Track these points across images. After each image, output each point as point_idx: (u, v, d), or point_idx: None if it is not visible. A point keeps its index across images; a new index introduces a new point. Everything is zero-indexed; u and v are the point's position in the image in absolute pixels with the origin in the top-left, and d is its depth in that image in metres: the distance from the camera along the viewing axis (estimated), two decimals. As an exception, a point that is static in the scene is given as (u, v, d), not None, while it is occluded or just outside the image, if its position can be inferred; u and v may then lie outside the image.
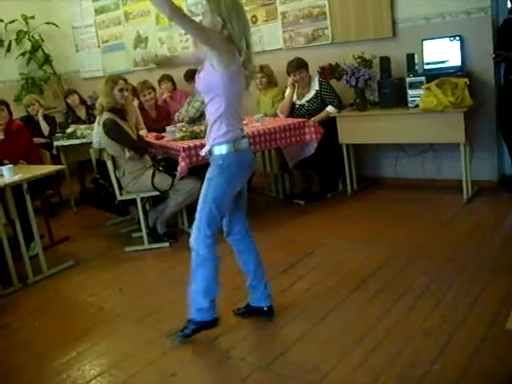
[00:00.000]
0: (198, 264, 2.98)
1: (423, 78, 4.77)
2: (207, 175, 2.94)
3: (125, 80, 4.67)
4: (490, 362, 2.53)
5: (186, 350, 3.02)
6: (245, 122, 5.15)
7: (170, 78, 6.43)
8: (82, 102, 6.78)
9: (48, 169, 4.67)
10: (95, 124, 4.94)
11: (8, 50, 8.17)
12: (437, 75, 4.70)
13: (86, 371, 2.95)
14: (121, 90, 4.48)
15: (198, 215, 2.97)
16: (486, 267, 3.49)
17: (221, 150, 2.85)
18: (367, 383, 2.49)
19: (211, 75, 2.77)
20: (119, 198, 4.67)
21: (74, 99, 6.68)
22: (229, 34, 2.73)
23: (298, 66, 5.37)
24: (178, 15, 2.57)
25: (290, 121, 5.09)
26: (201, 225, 2.95)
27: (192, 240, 2.99)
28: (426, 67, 4.99)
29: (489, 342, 2.67)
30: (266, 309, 3.17)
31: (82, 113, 6.69)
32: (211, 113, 2.85)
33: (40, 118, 6.38)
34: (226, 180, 2.90)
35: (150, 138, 5.12)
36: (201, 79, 2.85)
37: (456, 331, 2.80)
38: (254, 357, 2.87)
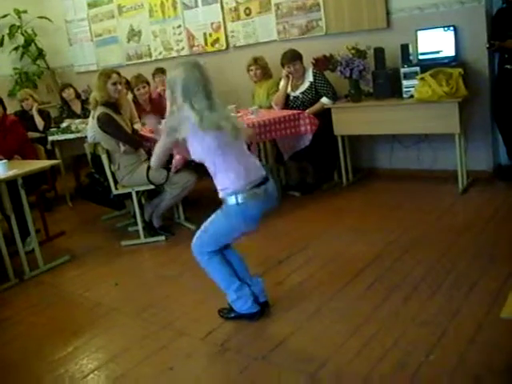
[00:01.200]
0: (205, 268, 3.09)
1: (418, 69, 4.77)
2: (221, 207, 2.96)
3: (118, 74, 4.65)
4: (486, 350, 2.54)
5: (183, 343, 3.03)
6: (240, 114, 5.18)
7: (164, 71, 6.39)
8: (78, 96, 6.74)
9: (43, 164, 4.66)
10: (89, 118, 4.93)
11: (1, 44, 8.14)
12: (431, 65, 4.69)
13: (84, 365, 2.96)
14: (114, 84, 4.46)
15: (202, 228, 3.03)
16: (482, 257, 3.50)
17: (227, 199, 2.88)
18: (363, 373, 2.50)
19: (189, 145, 2.89)
20: (114, 192, 4.66)
21: (69, 93, 6.63)
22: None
23: (292, 57, 5.36)
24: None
25: (285, 113, 5.08)
26: (202, 240, 3.02)
27: (192, 244, 3.06)
28: (421, 57, 4.98)
29: (485, 331, 2.68)
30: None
31: (77, 107, 6.66)
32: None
33: (34, 112, 6.36)
34: (228, 226, 2.95)
35: (145, 131, 5.11)
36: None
37: (452, 321, 2.82)
38: (251, 349, 2.87)
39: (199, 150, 2.88)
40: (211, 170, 2.91)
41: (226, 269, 3.08)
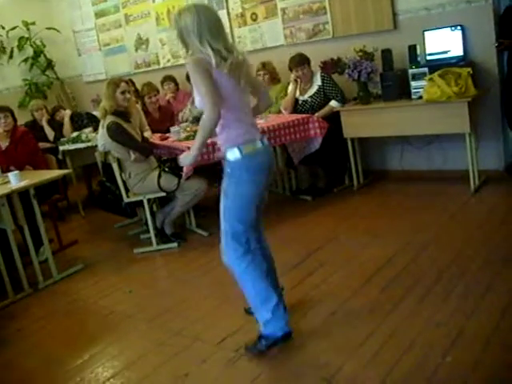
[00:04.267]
0: (240, 279, 2.85)
1: (426, 69, 4.75)
2: (222, 185, 2.81)
3: (127, 82, 4.68)
4: (502, 351, 2.52)
5: (198, 349, 3.03)
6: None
7: (172, 79, 6.43)
8: (71, 118, 6.65)
9: (54, 173, 4.68)
10: (99, 127, 4.95)
11: (10, 56, 8.19)
12: (439, 66, 4.68)
13: (99, 374, 2.97)
14: (123, 93, 4.49)
15: (222, 228, 2.82)
16: (496, 256, 3.48)
17: (229, 155, 2.73)
18: (380, 377, 2.49)
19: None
20: (126, 200, 4.68)
21: (61, 116, 6.61)
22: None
23: (300, 61, 5.36)
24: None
25: (294, 117, 5.08)
26: (227, 239, 2.81)
27: (224, 256, 2.85)
28: (429, 58, 4.97)
29: (501, 332, 2.66)
30: None
31: (67, 132, 6.46)
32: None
33: (44, 123, 6.40)
34: (238, 190, 2.75)
35: (155, 139, 5.13)
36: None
37: (468, 322, 2.80)
38: (265, 354, 2.85)
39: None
40: (221, 121, 2.67)
41: (265, 281, 2.82)
